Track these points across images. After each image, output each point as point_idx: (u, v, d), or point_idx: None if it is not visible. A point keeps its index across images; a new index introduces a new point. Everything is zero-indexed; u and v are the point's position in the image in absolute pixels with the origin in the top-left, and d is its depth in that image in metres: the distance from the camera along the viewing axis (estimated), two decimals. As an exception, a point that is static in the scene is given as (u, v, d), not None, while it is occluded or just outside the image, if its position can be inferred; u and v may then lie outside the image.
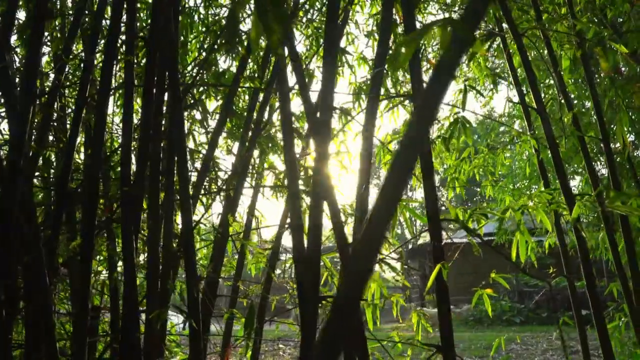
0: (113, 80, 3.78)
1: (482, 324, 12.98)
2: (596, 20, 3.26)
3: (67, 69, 3.49)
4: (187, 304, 2.39)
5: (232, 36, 1.90)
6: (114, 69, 2.91)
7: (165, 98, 2.80)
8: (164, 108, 2.81)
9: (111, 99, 3.88)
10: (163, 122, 2.81)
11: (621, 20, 4.45)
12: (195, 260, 2.49)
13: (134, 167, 2.82)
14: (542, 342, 9.93)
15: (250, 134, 3.47)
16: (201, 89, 3.63)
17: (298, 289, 2.27)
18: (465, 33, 0.89)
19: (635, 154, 6.38)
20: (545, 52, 3.69)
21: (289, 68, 2.92)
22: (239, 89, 3.95)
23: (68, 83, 3.54)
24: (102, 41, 3.10)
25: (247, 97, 4.05)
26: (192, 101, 3.29)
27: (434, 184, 2.16)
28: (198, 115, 3.58)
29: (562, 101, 3.48)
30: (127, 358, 2.42)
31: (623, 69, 4.64)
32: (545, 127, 2.72)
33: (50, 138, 3.46)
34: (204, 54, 3.67)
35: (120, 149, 2.92)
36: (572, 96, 5.40)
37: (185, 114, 3.73)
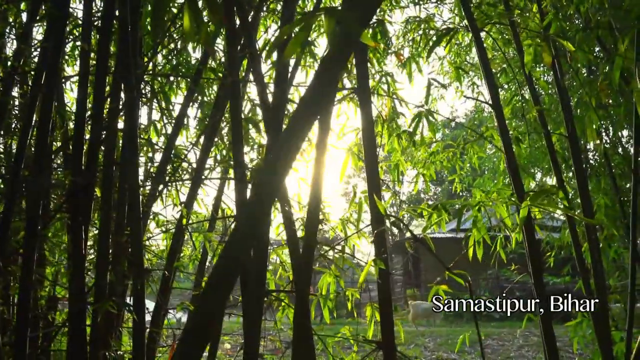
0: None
1: (462, 319, 13.03)
2: (562, 15, 3.23)
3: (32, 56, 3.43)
4: (132, 296, 2.35)
5: (157, 25, 1.85)
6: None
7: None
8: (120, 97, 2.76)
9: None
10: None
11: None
12: (142, 250, 2.45)
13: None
14: (519, 338, 9.98)
15: (213, 125, 3.42)
16: (171, 79, 3.57)
17: (242, 283, 2.24)
18: (351, 24, 0.86)
19: (615, 151, 6.39)
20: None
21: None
22: (213, 80, 3.89)
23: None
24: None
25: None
26: (149, 92, 3.24)
27: (378, 179, 2.14)
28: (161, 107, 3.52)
29: (528, 97, 3.47)
30: (72, 348, 2.39)
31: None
32: (500, 123, 2.69)
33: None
34: (170, 44, 3.61)
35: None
36: (551, 92, 5.38)
37: (154, 104, 3.68)
